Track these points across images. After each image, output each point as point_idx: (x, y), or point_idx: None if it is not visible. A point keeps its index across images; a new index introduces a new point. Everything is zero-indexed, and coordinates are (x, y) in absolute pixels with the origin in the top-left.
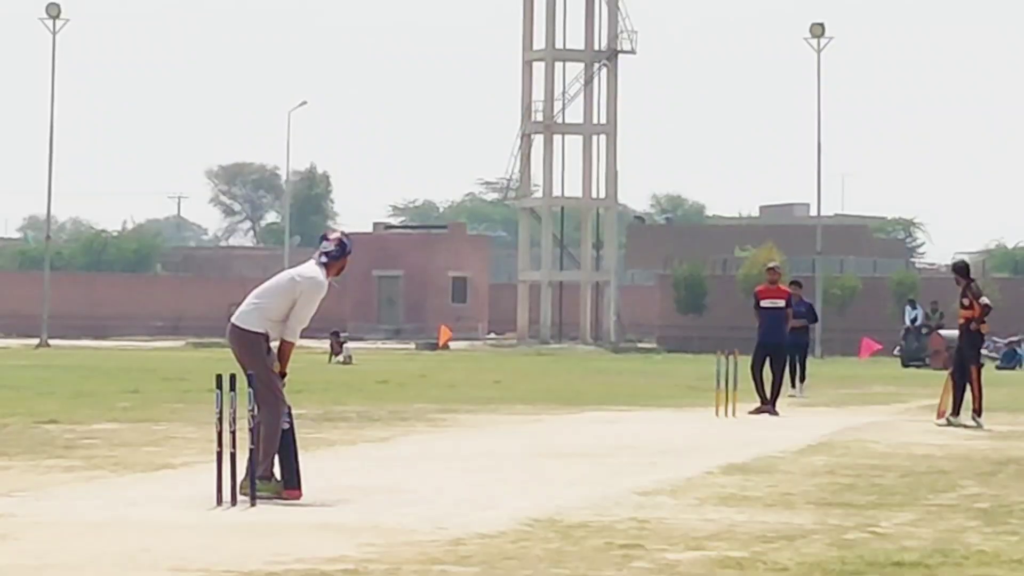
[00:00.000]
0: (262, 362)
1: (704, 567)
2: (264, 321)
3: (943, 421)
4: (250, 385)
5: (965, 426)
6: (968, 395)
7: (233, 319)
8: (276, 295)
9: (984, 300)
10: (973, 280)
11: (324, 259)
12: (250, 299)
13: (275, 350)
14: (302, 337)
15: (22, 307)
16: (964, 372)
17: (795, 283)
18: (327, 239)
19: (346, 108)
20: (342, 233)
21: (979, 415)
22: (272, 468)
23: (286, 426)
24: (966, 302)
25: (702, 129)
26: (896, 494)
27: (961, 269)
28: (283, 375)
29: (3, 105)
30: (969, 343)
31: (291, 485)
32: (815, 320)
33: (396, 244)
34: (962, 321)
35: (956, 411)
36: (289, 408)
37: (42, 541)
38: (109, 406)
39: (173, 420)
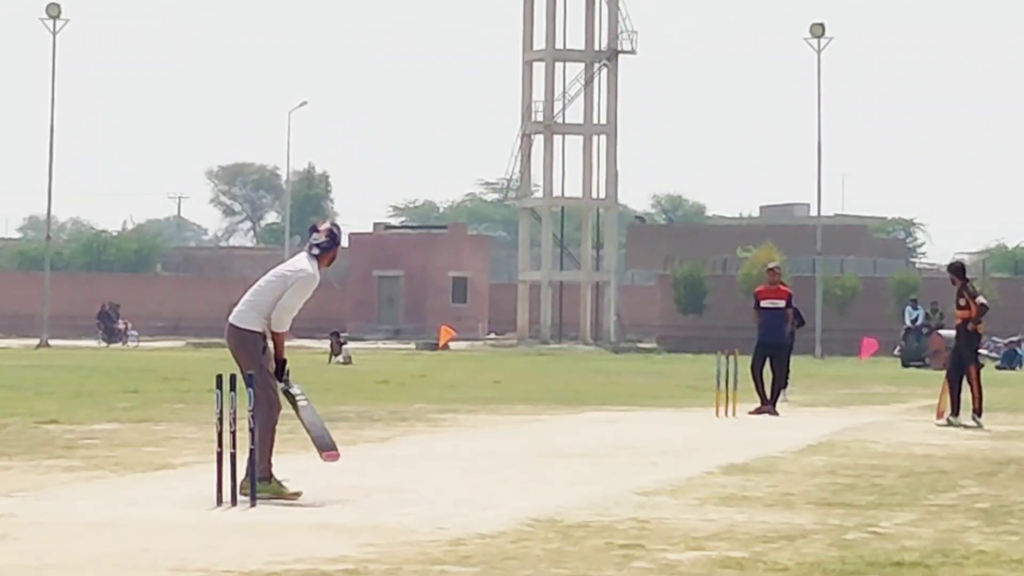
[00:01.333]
0: (257, 362)
1: (704, 567)
2: (260, 319)
3: (943, 421)
4: (249, 385)
5: (965, 426)
6: (967, 395)
7: (231, 319)
8: (270, 292)
9: (981, 300)
10: (969, 280)
11: (316, 251)
12: (246, 298)
13: (271, 349)
14: (302, 337)
15: (22, 307)
16: (961, 372)
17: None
18: (317, 230)
19: (346, 108)
20: (331, 223)
21: (979, 415)
22: (270, 468)
23: (304, 403)
24: (963, 302)
25: (702, 129)
26: (896, 494)
27: (957, 270)
28: (283, 361)
29: (3, 105)
30: (967, 343)
31: (328, 448)
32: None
33: (396, 244)
34: (959, 322)
35: (956, 411)
36: (301, 389)
37: (42, 541)
38: (109, 406)
39: (173, 420)
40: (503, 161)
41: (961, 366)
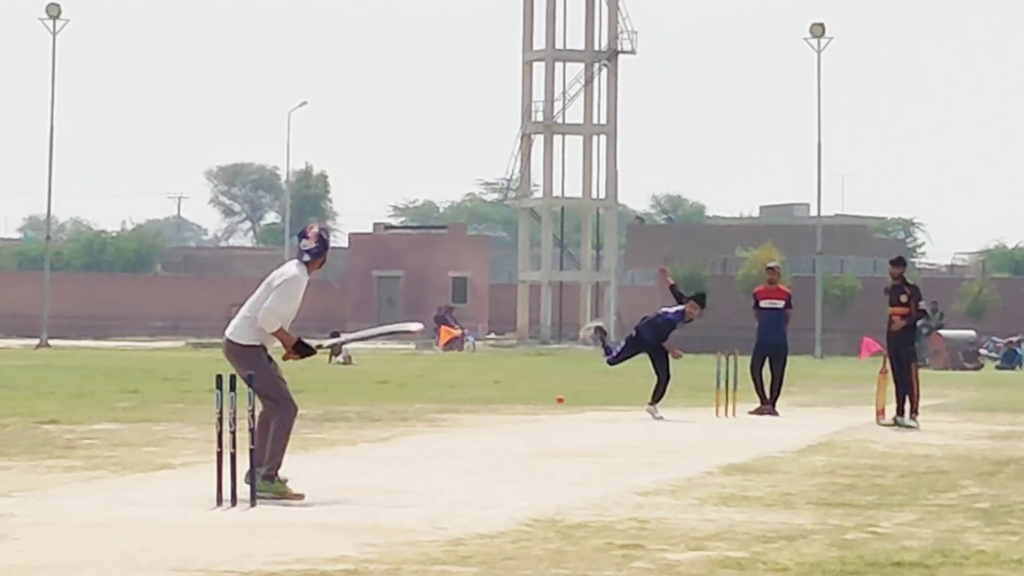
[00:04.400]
0: (265, 370)
1: (704, 567)
2: (257, 332)
3: (888, 421)
4: (249, 385)
5: (909, 426)
6: (897, 392)
7: (227, 333)
8: (262, 303)
9: (923, 306)
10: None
11: (307, 257)
12: (241, 312)
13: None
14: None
15: (22, 307)
16: (903, 369)
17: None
18: (306, 236)
19: (346, 108)
20: (320, 227)
21: (916, 414)
22: (277, 469)
23: (350, 336)
24: (904, 298)
25: (702, 129)
26: (896, 494)
27: (901, 262)
28: (298, 341)
29: (3, 105)
30: (908, 340)
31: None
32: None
33: (396, 244)
34: (897, 317)
35: (900, 411)
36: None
37: (42, 541)
38: (109, 406)
39: (173, 420)
40: (503, 161)
41: (902, 364)
